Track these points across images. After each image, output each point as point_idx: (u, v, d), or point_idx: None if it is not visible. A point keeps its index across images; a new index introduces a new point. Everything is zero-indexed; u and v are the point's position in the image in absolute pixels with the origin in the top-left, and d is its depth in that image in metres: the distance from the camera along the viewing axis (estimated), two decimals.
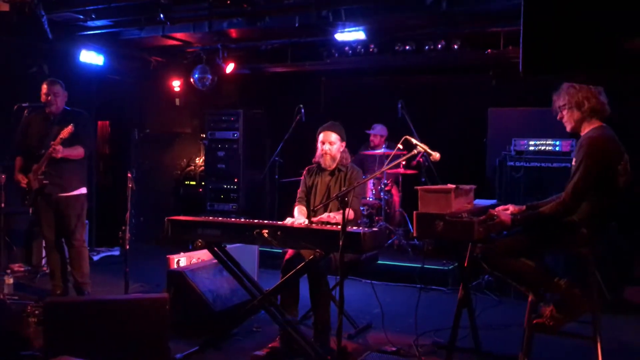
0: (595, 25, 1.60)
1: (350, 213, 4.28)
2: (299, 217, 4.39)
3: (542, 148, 5.93)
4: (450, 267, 6.20)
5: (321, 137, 4.49)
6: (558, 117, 3.59)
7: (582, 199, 3.37)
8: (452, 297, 5.66)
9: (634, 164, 3.47)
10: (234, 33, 7.36)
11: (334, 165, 4.50)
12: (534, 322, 3.56)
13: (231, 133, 8.37)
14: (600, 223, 3.46)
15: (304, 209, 4.53)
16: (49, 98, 5.06)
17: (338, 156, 4.48)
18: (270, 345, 4.10)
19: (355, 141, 5.36)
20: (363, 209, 6.80)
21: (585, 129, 3.49)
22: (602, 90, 3.45)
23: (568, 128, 3.56)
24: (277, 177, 8.00)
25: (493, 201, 4.39)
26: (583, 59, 1.64)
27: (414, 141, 3.72)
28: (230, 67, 8.05)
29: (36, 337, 4.06)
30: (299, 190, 4.66)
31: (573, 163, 3.48)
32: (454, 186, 3.66)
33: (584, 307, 3.47)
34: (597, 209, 3.41)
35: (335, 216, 4.12)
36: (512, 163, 6.03)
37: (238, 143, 8.34)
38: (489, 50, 6.91)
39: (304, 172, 4.71)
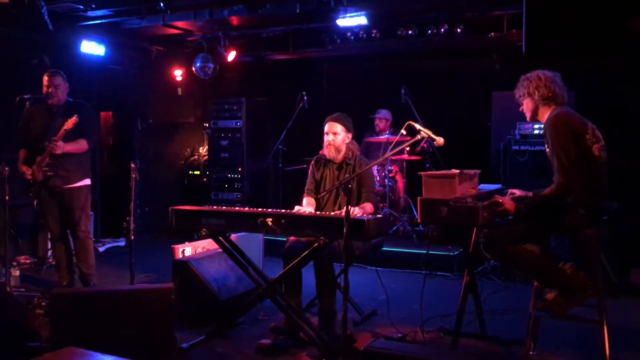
0: (597, 6, 1.58)
1: (370, 209, 4.25)
2: (307, 207, 4.37)
3: None
4: (455, 253, 6.19)
5: (326, 127, 4.45)
6: (520, 109, 3.77)
7: (574, 175, 3.36)
8: (458, 282, 5.66)
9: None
10: (235, 21, 7.31)
11: (339, 157, 4.44)
12: (540, 306, 3.55)
13: (234, 122, 8.35)
14: (594, 201, 3.44)
15: (313, 200, 4.49)
16: (50, 90, 5.04)
17: (343, 147, 4.42)
18: (271, 326, 4.13)
19: (358, 128, 5.33)
20: None
21: (544, 115, 3.61)
22: (555, 78, 3.60)
23: (527, 117, 3.75)
24: (280, 165, 7.98)
25: (498, 186, 4.37)
26: (585, 40, 1.61)
27: (418, 126, 3.69)
28: (231, 56, 8.01)
29: (43, 328, 4.08)
30: (307, 182, 4.61)
31: (547, 149, 3.51)
32: (458, 171, 3.65)
33: (590, 291, 3.46)
34: (586, 186, 3.40)
35: (355, 210, 4.07)
36: (516, 147, 6.00)
37: (241, 132, 8.31)
38: (492, 34, 6.85)
39: (312, 163, 4.65)
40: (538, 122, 5.83)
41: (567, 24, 1.42)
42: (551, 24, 1.42)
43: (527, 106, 3.70)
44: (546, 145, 3.54)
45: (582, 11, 1.44)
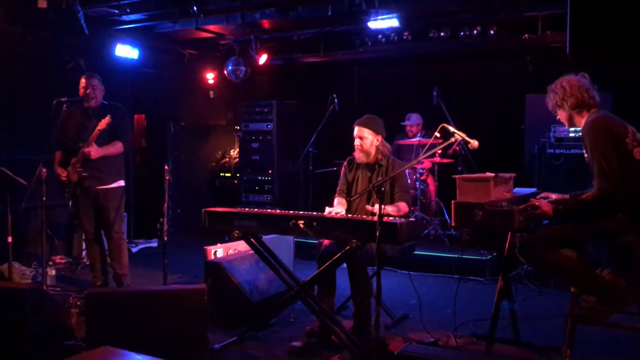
0: None
1: (404, 207, 4.24)
2: (337, 207, 4.36)
3: None
4: (487, 258, 6.10)
5: (355, 131, 4.43)
6: (557, 118, 3.73)
7: (616, 179, 3.28)
8: (490, 287, 5.59)
9: None
10: (266, 24, 7.35)
11: (369, 160, 4.42)
12: (577, 313, 3.47)
13: (265, 124, 8.39)
14: (635, 205, 3.34)
15: (344, 201, 4.48)
16: (88, 91, 5.13)
17: (372, 151, 4.39)
18: (307, 330, 4.14)
19: (390, 130, 5.30)
20: None
21: (581, 121, 3.55)
22: (581, 81, 3.52)
23: (566, 125, 3.71)
24: (311, 167, 7.99)
25: (533, 189, 4.30)
26: (632, 40, 1.57)
27: (452, 129, 3.65)
28: (263, 59, 8.05)
29: (79, 327, 4.15)
30: (339, 183, 4.61)
31: (585, 154, 3.44)
32: (493, 175, 3.59)
33: (629, 298, 3.37)
34: (626, 191, 3.30)
35: (388, 208, 4.06)
36: (551, 150, 5.90)
37: (272, 134, 8.34)
38: (527, 36, 6.74)
39: (345, 163, 4.65)
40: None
41: (613, 24, 1.39)
42: (597, 23, 1.39)
43: (561, 116, 3.66)
44: (584, 151, 3.46)
45: (629, 10, 1.40)
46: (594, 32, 1.46)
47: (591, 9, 1.49)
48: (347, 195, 4.54)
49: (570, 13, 1.48)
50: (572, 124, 3.64)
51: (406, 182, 4.57)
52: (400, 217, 4.10)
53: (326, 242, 4.26)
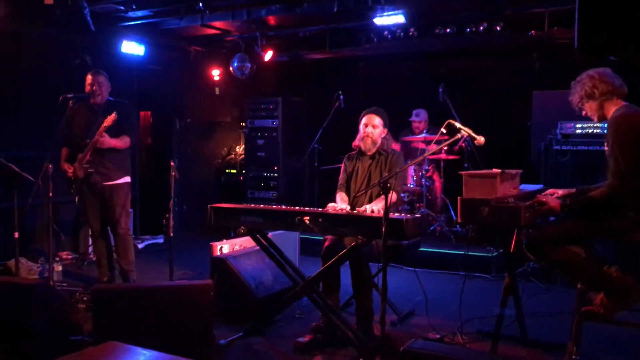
0: None
1: (393, 197, 4.24)
2: (340, 203, 4.36)
3: (590, 131, 5.76)
4: (493, 254, 6.09)
5: (364, 119, 4.46)
6: (583, 114, 3.60)
7: (628, 179, 3.24)
8: (496, 284, 5.59)
9: None
10: (272, 20, 7.35)
11: (374, 150, 4.46)
12: (584, 310, 3.46)
13: (270, 121, 8.39)
14: None
15: (346, 196, 4.50)
16: (94, 88, 5.14)
17: (379, 141, 4.44)
18: (312, 326, 4.14)
19: (395, 127, 5.30)
20: (404, 196, 6.74)
21: (610, 112, 3.45)
22: (606, 72, 3.44)
23: (595, 119, 3.57)
24: (316, 164, 7.99)
25: (539, 186, 4.28)
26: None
27: (458, 125, 3.65)
28: (268, 55, 8.05)
29: (85, 322, 4.16)
30: (339, 178, 4.63)
31: (606, 148, 3.39)
32: (499, 171, 3.58)
33: (636, 295, 3.35)
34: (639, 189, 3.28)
35: (378, 210, 4.06)
36: (558, 147, 5.88)
37: (277, 131, 8.35)
38: (533, 32, 6.71)
39: (344, 159, 4.68)
40: (581, 121, 5.78)
41: (622, 19, 1.38)
42: (605, 18, 1.38)
43: (590, 109, 3.51)
44: (605, 144, 3.40)
45: (637, 5, 1.39)
46: (602, 27, 1.45)
47: (600, 3, 1.48)
48: (347, 186, 4.55)
49: (578, 8, 1.47)
50: (601, 116, 3.50)
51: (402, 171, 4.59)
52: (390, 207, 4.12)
53: (330, 237, 4.26)
